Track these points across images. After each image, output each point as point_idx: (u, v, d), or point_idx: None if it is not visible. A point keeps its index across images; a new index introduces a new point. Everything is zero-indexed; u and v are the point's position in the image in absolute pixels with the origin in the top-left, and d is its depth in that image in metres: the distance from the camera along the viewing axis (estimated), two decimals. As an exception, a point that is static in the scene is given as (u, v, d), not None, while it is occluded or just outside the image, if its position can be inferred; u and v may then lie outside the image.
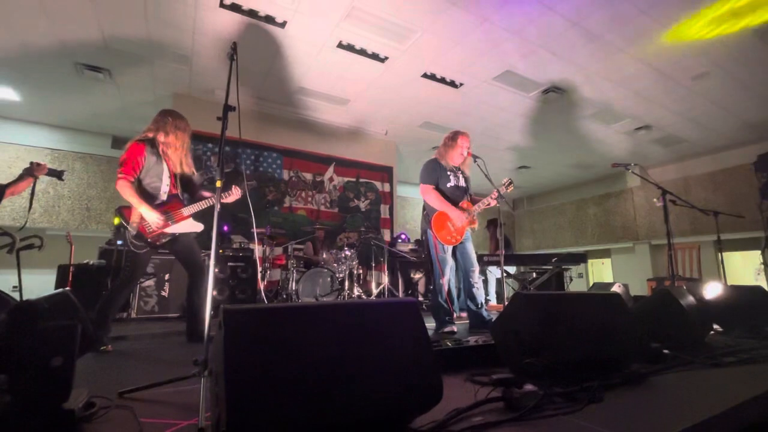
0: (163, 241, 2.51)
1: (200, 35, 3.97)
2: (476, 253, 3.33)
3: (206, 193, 2.68)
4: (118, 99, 5.25)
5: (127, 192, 2.36)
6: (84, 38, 3.94)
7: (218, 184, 1.57)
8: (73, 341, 0.99)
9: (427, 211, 3.18)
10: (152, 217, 2.39)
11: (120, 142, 6.41)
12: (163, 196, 2.55)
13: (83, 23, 3.72)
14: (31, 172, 2.61)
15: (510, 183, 3.16)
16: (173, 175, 2.60)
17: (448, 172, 3.21)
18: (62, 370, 0.96)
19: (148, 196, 2.46)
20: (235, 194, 2.58)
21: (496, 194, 3.09)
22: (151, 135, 2.51)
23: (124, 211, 2.45)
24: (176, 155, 2.56)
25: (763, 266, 6.37)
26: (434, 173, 3.18)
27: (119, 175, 2.37)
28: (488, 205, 3.17)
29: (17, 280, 3.25)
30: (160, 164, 2.52)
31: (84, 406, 1.10)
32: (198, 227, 2.62)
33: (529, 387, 1.25)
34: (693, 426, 1.10)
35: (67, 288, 1.65)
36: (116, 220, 2.45)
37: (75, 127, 6.14)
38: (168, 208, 2.51)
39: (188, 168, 2.66)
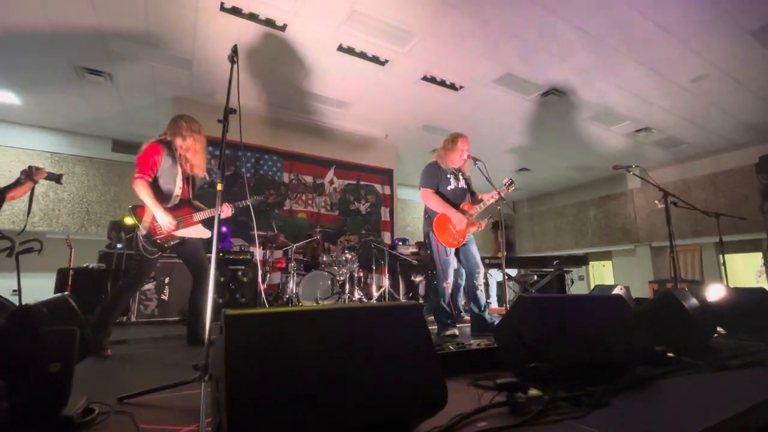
0: (172, 243, 2.53)
1: (201, 38, 3.97)
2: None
3: (199, 204, 2.69)
4: (119, 102, 5.25)
5: (143, 192, 2.37)
6: (85, 41, 3.94)
7: (219, 187, 1.56)
8: (72, 347, 0.98)
9: (429, 214, 3.17)
10: (165, 221, 2.41)
11: (120, 145, 6.41)
12: (175, 200, 2.57)
13: (84, 26, 3.72)
14: (30, 176, 2.60)
15: (511, 183, 3.14)
16: (186, 180, 2.62)
17: (449, 175, 3.20)
18: (61, 375, 0.95)
19: (161, 199, 2.47)
20: (225, 212, 2.58)
21: (497, 195, 3.07)
22: (168, 138, 2.53)
23: (138, 210, 2.45)
24: (197, 158, 2.58)
25: (764, 268, 6.36)
26: (434, 177, 3.17)
27: (136, 175, 2.38)
28: (490, 202, 3.16)
29: (17, 284, 3.24)
30: (175, 167, 2.53)
31: (83, 412, 1.09)
32: (206, 233, 2.64)
33: (533, 391, 1.24)
34: (701, 431, 1.08)
35: (66, 292, 1.64)
36: (126, 219, 2.44)
37: (75, 130, 6.14)
38: (179, 213, 2.53)
39: (202, 172, 2.68)
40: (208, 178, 2.76)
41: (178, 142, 2.52)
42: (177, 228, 2.49)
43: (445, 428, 1.06)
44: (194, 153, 2.56)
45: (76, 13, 3.54)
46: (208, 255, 3.08)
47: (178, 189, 2.56)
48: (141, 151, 2.44)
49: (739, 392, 1.47)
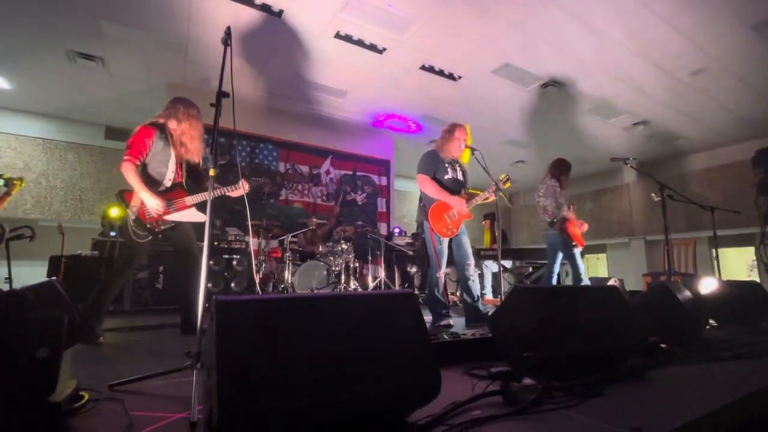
0: (163, 228, 2.47)
1: (195, 23, 3.89)
2: (473, 247, 3.31)
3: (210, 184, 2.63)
4: (112, 88, 5.16)
5: (130, 175, 2.32)
6: (76, 23, 3.85)
7: (211, 173, 1.53)
8: (59, 332, 0.96)
9: (424, 203, 3.15)
10: (152, 203, 2.36)
11: (113, 132, 6.31)
12: (168, 183, 2.51)
13: (75, 8, 3.63)
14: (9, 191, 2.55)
15: (507, 179, 3.14)
16: (179, 163, 2.56)
17: (446, 165, 3.18)
18: (48, 361, 0.93)
19: (151, 182, 2.42)
20: (243, 188, 2.54)
21: (494, 188, 3.07)
22: (161, 121, 2.47)
23: (125, 194, 2.41)
24: (194, 144, 2.52)
25: (755, 262, 6.43)
26: (433, 164, 3.15)
27: (125, 157, 2.32)
28: (485, 199, 3.15)
29: (7, 271, 3.20)
30: (167, 150, 2.47)
31: (71, 399, 1.07)
32: (200, 217, 2.57)
33: (527, 381, 1.24)
34: (692, 421, 1.09)
35: (54, 278, 1.62)
36: (109, 211, 2.40)
37: (68, 116, 6.04)
38: (171, 196, 2.48)
39: (198, 157, 2.62)
40: (201, 162, 2.69)
41: (172, 125, 2.47)
42: (168, 212, 2.44)
43: (438, 417, 1.06)
44: (190, 139, 2.49)
45: (66, -5, 3.45)
46: (201, 243, 3.06)
47: (170, 172, 2.50)
48: (133, 133, 2.39)
49: (730, 383, 1.48)
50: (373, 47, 4.29)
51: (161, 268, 4.21)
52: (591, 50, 4.25)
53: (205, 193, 2.54)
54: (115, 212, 4.17)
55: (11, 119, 5.74)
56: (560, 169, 3.90)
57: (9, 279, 3.18)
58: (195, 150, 2.54)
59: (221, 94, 1.54)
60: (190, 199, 2.53)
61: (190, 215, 2.55)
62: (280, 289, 4.44)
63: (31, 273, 3.97)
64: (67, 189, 6.01)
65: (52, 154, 5.95)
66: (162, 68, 4.73)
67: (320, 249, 4.75)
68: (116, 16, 3.76)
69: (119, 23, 3.85)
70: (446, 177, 3.14)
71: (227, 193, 2.52)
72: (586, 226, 3.95)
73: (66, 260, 3.93)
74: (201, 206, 2.57)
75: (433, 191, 3.06)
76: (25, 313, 0.98)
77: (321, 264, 4.52)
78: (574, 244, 3.71)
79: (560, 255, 3.81)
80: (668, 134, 6.54)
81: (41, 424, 0.92)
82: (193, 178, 2.68)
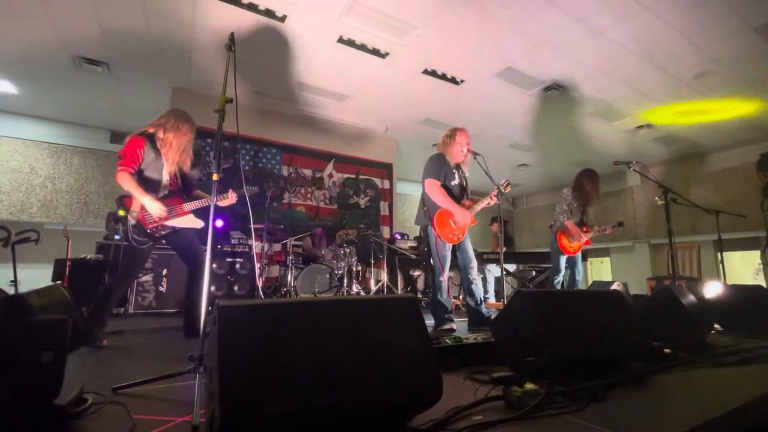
0: (163, 233, 2.51)
1: (199, 29, 3.93)
2: (476, 250, 3.31)
3: (201, 193, 2.68)
4: (117, 93, 5.21)
5: (128, 183, 2.35)
6: (82, 31, 3.90)
7: (215, 177, 1.55)
8: (63, 336, 0.97)
9: (428, 207, 3.13)
10: (154, 208, 2.39)
11: (119, 136, 6.37)
12: (164, 191, 2.56)
13: (81, 15, 3.68)
14: None
15: (508, 184, 3.13)
16: (173, 172, 2.60)
17: (453, 170, 3.18)
18: (53, 365, 0.94)
19: (149, 190, 2.45)
20: (230, 199, 2.59)
21: (496, 192, 3.06)
22: (151, 130, 2.51)
23: (125, 200, 2.44)
24: (171, 154, 2.53)
25: (761, 266, 6.37)
26: (442, 169, 3.13)
27: (119, 167, 2.36)
28: (488, 204, 3.15)
29: (13, 274, 3.23)
30: (160, 160, 2.52)
31: (75, 402, 1.08)
32: (198, 224, 2.62)
33: (529, 386, 1.23)
34: (696, 427, 1.08)
35: (59, 281, 1.64)
36: (121, 212, 2.42)
37: (73, 121, 6.10)
38: (169, 202, 2.52)
39: (185, 168, 2.66)
40: (187, 171, 2.71)
41: (160, 135, 2.51)
42: (168, 217, 2.47)
43: (440, 421, 1.06)
44: (168, 148, 2.52)
45: (73, 1, 3.49)
46: (204, 247, 3.07)
47: (165, 180, 2.55)
48: (124, 144, 2.43)
49: (735, 388, 1.47)
50: (375, 52, 4.31)
51: (165, 272, 4.23)
52: (593, 53, 4.24)
53: (203, 200, 2.60)
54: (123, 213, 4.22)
55: (18, 124, 5.81)
56: (580, 179, 4.15)
57: (14, 282, 3.20)
58: (171, 160, 2.54)
59: (225, 100, 1.55)
60: (188, 206, 2.58)
61: (188, 222, 2.59)
62: (282, 292, 4.45)
63: (36, 276, 4.01)
64: (73, 192, 6.06)
65: (58, 158, 6.01)
66: (166, 73, 4.77)
67: (323, 252, 4.76)
68: (121, 22, 3.80)
69: (124, 29, 3.89)
70: (453, 183, 3.14)
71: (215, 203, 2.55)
72: (585, 239, 4.22)
73: (71, 264, 3.95)
74: (198, 213, 2.62)
75: (441, 199, 3.03)
76: (29, 316, 0.99)
77: (323, 267, 4.53)
78: (560, 250, 4.00)
79: (561, 258, 4.03)
80: (672, 137, 6.51)
81: (46, 428, 0.93)
82: (183, 186, 2.71)
